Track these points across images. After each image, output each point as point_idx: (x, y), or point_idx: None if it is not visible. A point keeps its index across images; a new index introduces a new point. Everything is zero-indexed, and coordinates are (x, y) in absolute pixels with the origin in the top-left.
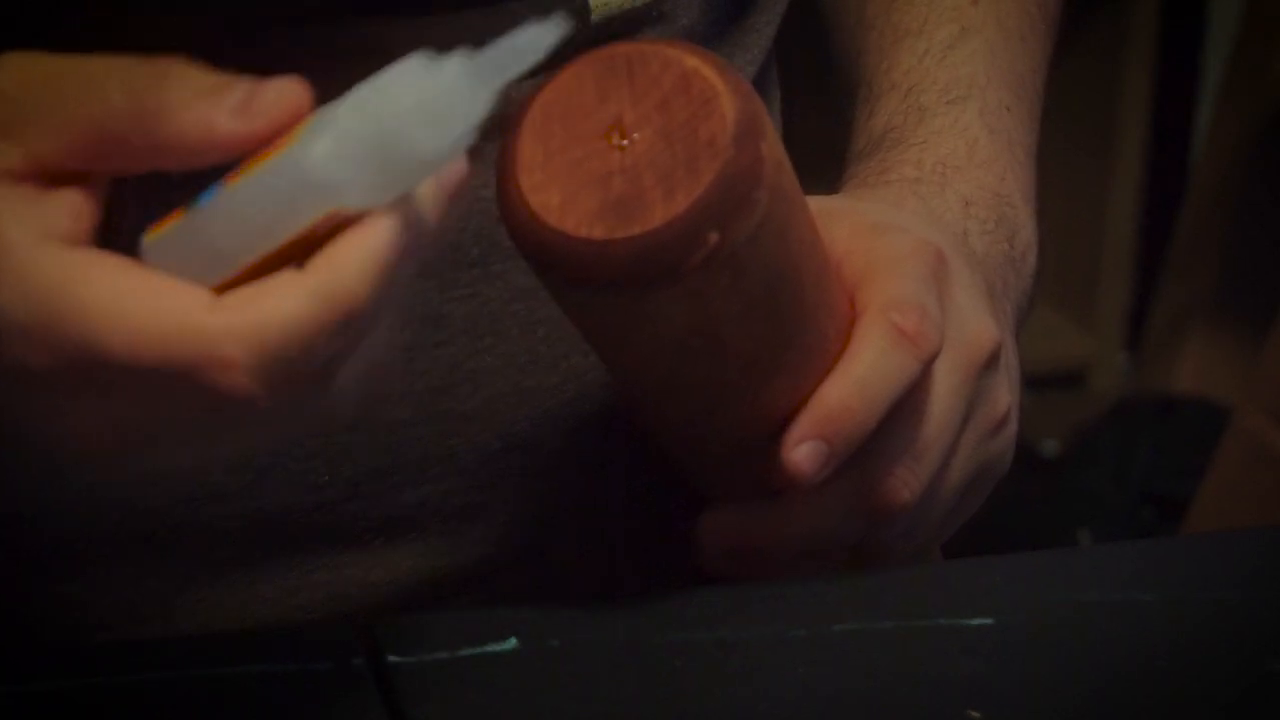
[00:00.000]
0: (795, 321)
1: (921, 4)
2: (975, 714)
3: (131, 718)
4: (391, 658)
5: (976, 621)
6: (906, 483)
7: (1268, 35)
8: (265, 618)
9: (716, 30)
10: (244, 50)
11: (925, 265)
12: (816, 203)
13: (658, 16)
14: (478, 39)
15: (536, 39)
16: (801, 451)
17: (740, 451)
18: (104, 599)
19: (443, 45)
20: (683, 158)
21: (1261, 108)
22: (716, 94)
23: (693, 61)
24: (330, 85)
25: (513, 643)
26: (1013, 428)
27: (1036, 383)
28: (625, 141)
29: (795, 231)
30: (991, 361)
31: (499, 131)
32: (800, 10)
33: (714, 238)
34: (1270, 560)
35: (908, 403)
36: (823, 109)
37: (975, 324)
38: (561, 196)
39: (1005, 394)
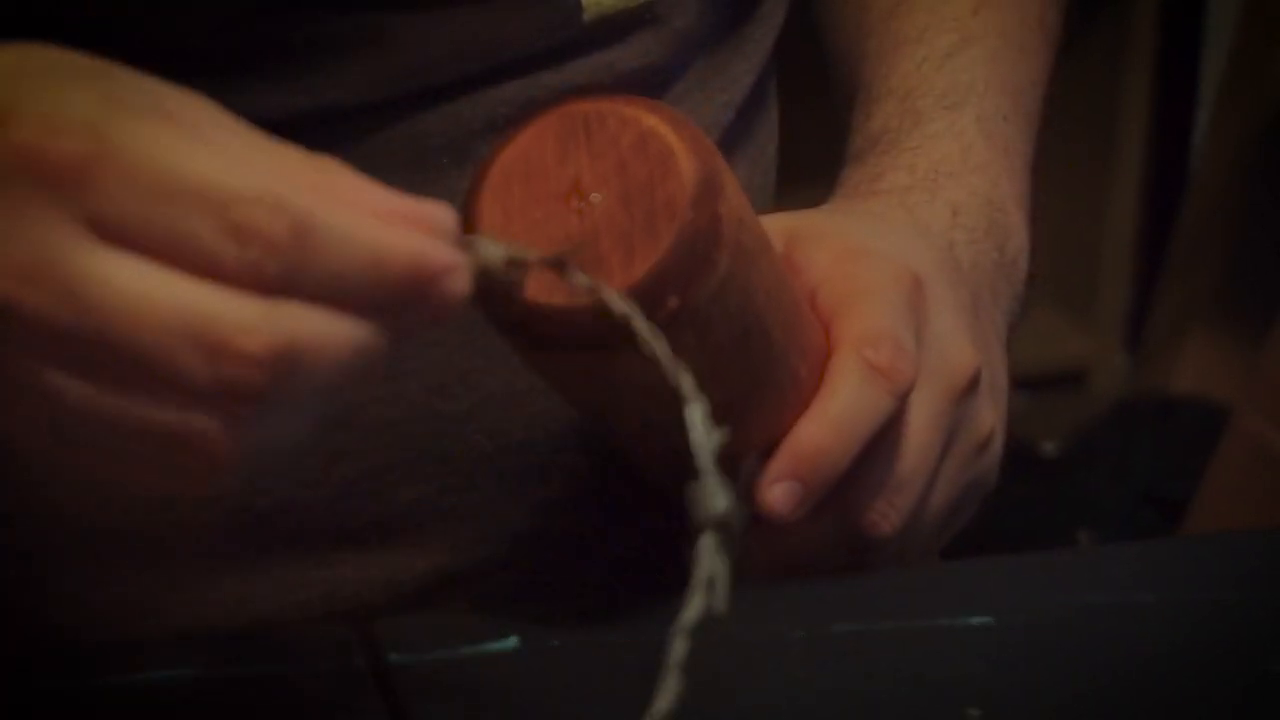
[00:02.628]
0: (765, 368)
1: (922, 12)
2: (974, 713)
3: (132, 718)
4: (392, 657)
5: (976, 621)
6: (886, 516)
7: (1268, 35)
8: (260, 616)
9: (714, 35)
10: (242, 40)
11: (901, 294)
12: (800, 220)
13: (653, 18)
14: (471, 34)
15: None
16: (776, 491)
17: None
18: (100, 597)
19: (438, 39)
20: (640, 221)
21: (1261, 108)
22: (674, 154)
23: (651, 120)
24: (326, 75)
25: (513, 642)
26: (998, 445)
27: (1036, 383)
28: (584, 204)
29: (760, 283)
30: (971, 386)
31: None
32: (799, 12)
33: (674, 301)
34: (1270, 562)
35: (885, 436)
36: (823, 109)
37: (953, 350)
38: None
39: (988, 415)
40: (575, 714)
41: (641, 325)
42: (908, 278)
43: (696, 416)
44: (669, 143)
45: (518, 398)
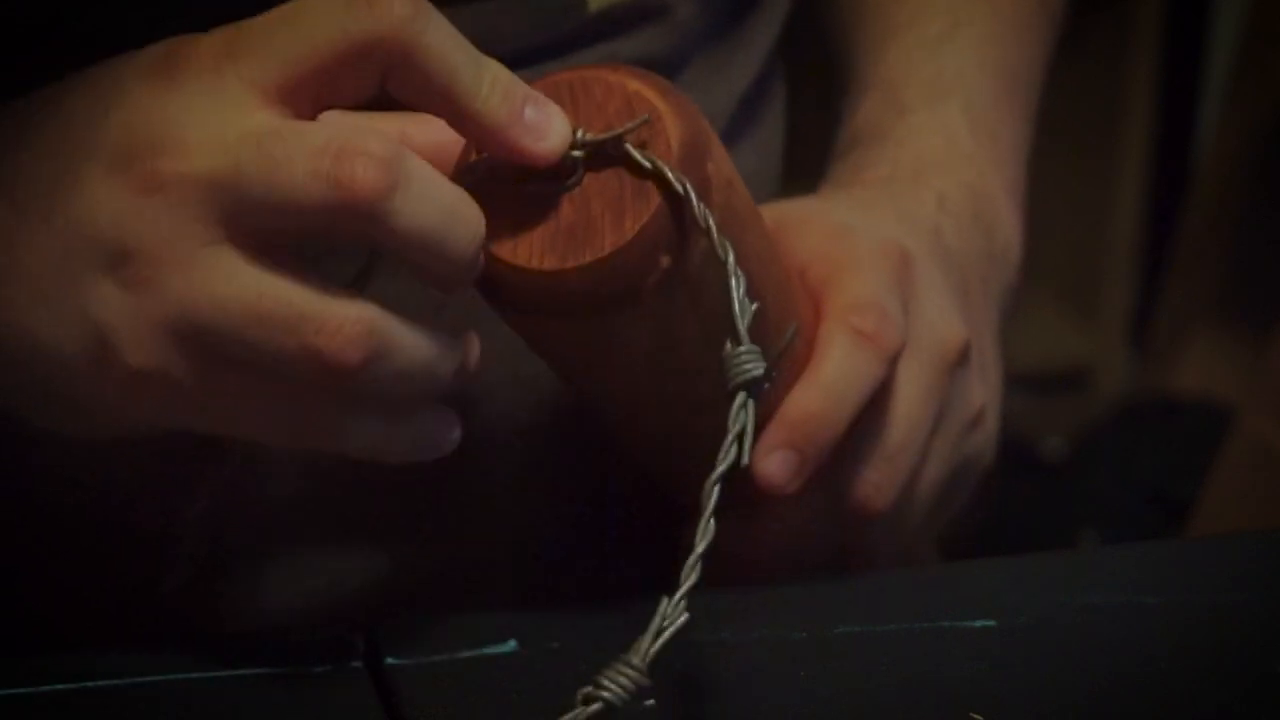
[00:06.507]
0: (759, 335)
1: None
2: (978, 717)
3: (132, 718)
4: (390, 659)
5: (979, 624)
6: (879, 487)
7: (1272, 34)
8: (255, 617)
9: (718, 25)
10: None
11: (888, 265)
12: (787, 208)
13: (657, 9)
14: (472, 28)
15: None
16: (773, 461)
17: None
18: (94, 598)
19: None
20: (629, 183)
21: (1266, 106)
22: (660, 116)
23: (635, 85)
24: None
25: (512, 645)
26: (991, 423)
27: (1040, 383)
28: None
29: (752, 248)
30: (961, 360)
31: None
32: (804, 9)
33: (665, 261)
34: (1274, 563)
35: (876, 407)
36: (827, 106)
37: (942, 324)
38: (511, 227)
39: (978, 391)
40: None
41: (697, 206)
42: (894, 250)
43: (737, 289)
44: (654, 105)
45: (523, 383)
